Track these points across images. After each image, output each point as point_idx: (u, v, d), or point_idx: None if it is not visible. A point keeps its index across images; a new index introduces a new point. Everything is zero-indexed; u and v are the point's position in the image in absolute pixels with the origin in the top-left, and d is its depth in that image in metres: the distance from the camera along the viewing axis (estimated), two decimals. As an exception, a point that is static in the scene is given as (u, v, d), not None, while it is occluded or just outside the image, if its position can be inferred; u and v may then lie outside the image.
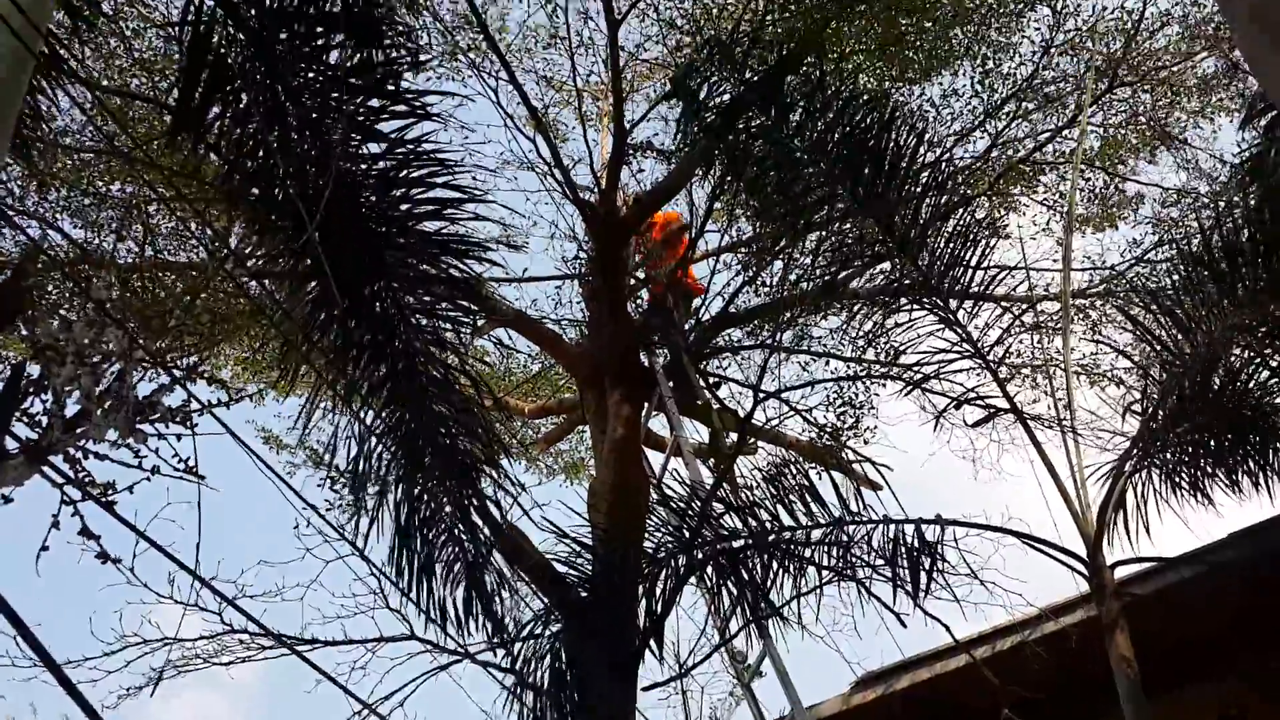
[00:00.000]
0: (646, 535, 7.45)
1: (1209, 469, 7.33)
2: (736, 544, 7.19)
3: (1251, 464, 7.24)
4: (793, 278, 9.32)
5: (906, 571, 6.98)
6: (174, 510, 4.86)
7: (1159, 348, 7.39)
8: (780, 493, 7.26)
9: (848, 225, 7.90)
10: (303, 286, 6.39)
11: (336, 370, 6.61)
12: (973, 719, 7.54)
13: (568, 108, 11.84)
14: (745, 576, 7.08)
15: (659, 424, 10.16)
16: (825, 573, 7.14)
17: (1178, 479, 7.39)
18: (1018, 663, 7.35)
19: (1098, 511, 7.32)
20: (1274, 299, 6.81)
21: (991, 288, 8.09)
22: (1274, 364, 7.10)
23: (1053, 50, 11.04)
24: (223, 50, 5.58)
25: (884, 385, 10.22)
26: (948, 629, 7.15)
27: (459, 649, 6.88)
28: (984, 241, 7.72)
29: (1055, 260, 11.07)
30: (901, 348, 8.06)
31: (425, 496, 6.86)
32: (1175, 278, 7.33)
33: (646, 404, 9.12)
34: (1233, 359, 7.20)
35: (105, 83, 8.18)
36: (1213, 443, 7.29)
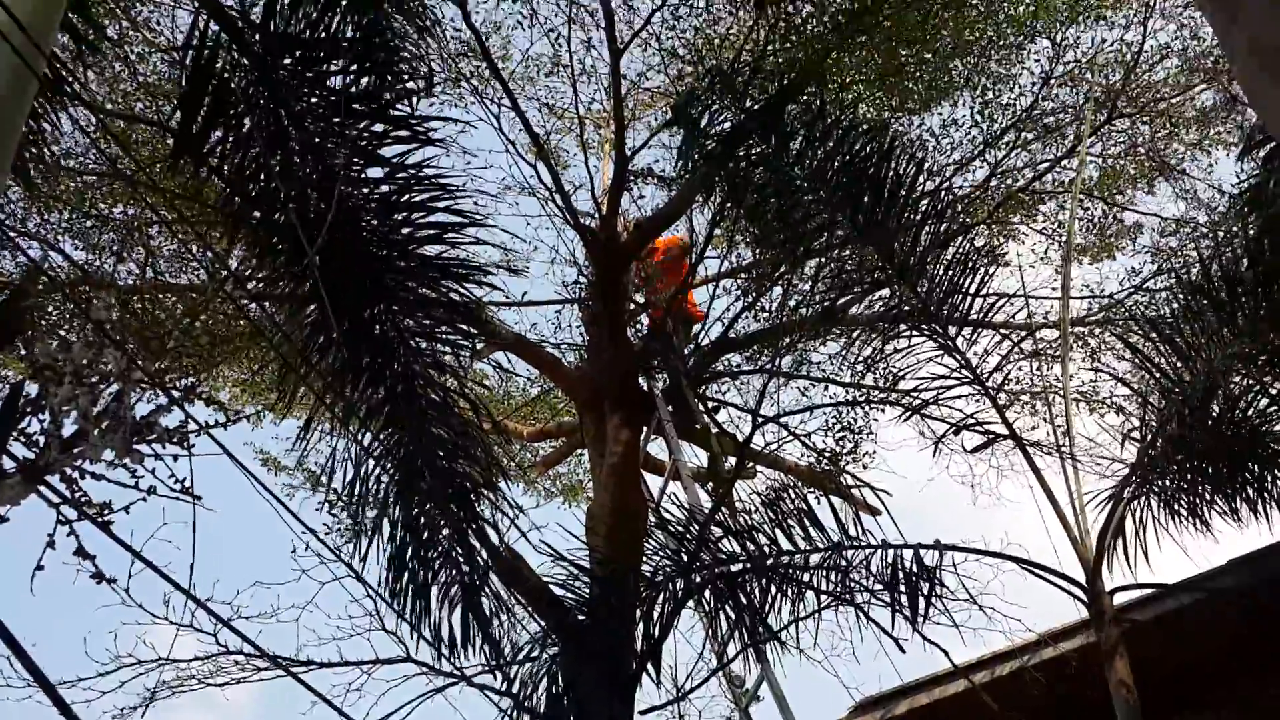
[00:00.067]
0: (645, 558, 7.43)
1: (1207, 496, 7.33)
2: (735, 568, 7.18)
3: (1250, 491, 7.23)
4: (792, 303, 9.35)
5: (905, 596, 6.96)
6: (170, 531, 4.85)
7: (1158, 375, 7.40)
8: (779, 517, 7.25)
9: (847, 252, 7.93)
10: (302, 309, 6.42)
11: (335, 392, 6.63)
12: (972, 745, 7.52)
13: (569, 134, 11.91)
14: (743, 600, 7.06)
15: (658, 448, 10.18)
16: (824, 597, 7.13)
17: (1176, 506, 7.38)
18: (1017, 688, 7.34)
19: (1097, 537, 7.32)
20: (1274, 328, 6.83)
21: (991, 315, 8.10)
22: (1273, 392, 7.11)
23: (1052, 81, 11.12)
24: (226, 75, 5.63)
25: (883, 410, 10.25)
26: (946, 654, 7.12)
27: (455, 671, 6.85)
28: (983, 269, 7.74)
29: (1054, 288, 11.10)
30: (900, 373, 8.08)
31: (423, 519, 6.85)
32: (1175, 306, 7.35)
33: (645, 428, 9.14)
34: (1232, 387, 7.21)
35: (109, 106, 8.24)
36: (1211, 470, 7.29)
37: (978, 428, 8.20)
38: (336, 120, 6.09)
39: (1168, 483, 7.41)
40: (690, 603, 7.16)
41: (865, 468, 10.44)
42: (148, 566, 4.17)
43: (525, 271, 11.74)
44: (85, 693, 7.13)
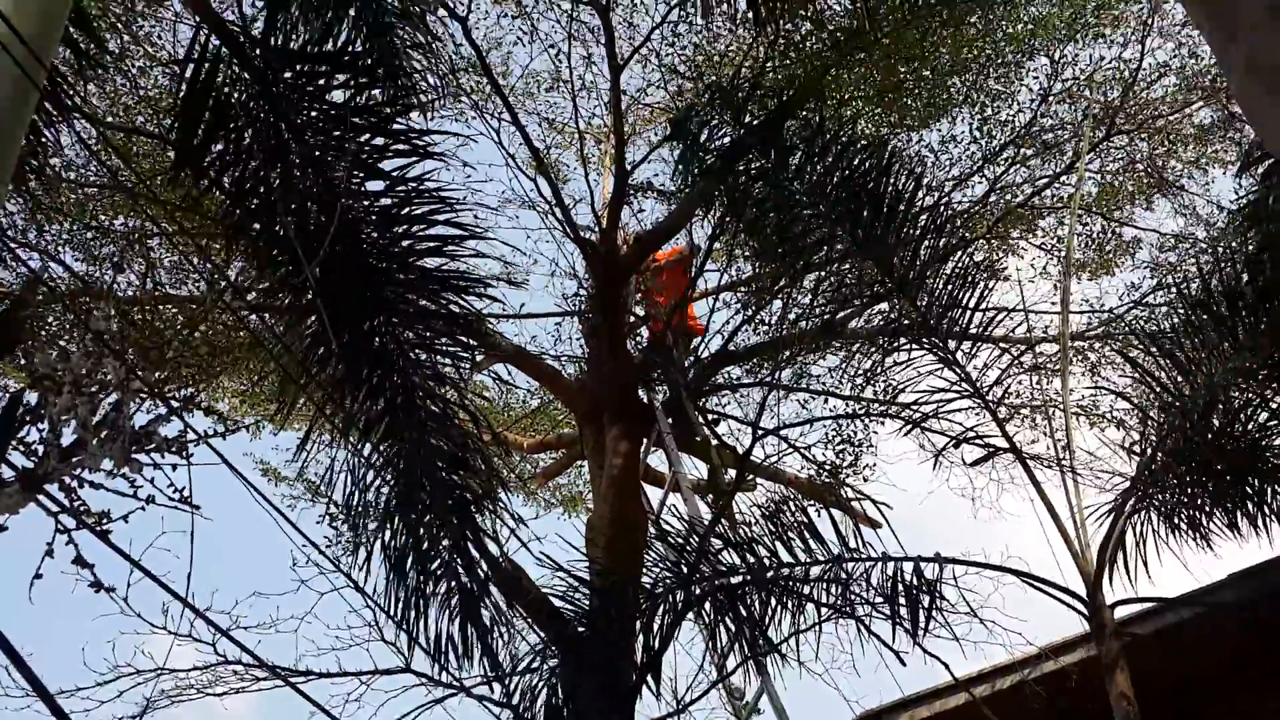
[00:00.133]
0: (644, 570, 7.42)
1: (1208, 510, 7.32)
2: (735, 580, 7.17)
3: (1250, 505, 7.22)
4: (792, 317, 9.36)
5: (906, 609, 6.94)
6: (169, 540, 4.84)
7: (1159, 389, 7.41)
8: (779, 529, 7.24)
9: (847, 266, 7.94)
10: (302, 321, 6.43)
11: (335, 403, 6.63)
12: (972, 757, 7.51)
13: (569, 149, 11.95)
14: (743, 613, 7.05)
15: (658, 460, 10.16)
16: (824, 610, 7.11)
17: (1177, 519, 7.37)
18: (1018, 701, 7.32)
19: (1097, 551, 7.32)
20: (1274, 342, 6.84)
21: (990, 329, 8.11)
22: (1274, 406, 7.11)
23: (1051, 98, 11.15)
24: (227, 88, 5.66)
25: (882, 423, 10.25)
26: (947, 667, 7.12)
27: (455, 682, 6.84)
28: (982, 284, 7.75)
29: (1054, 303, 11.11)
30: (900, 387, 8.08)
31: (422, 530, 6.85)
32: (1175, 320, 7.37)
33: (645, 440, 9.13)
34: (1232, 400, 7.22)
35: (110, 119, 8.27)
36: (1211, 484, 7.29)
37: (978, 441, 8.19)
38: (337, 134, 6.13)
39: (1168, 496, 7.40)
40: (690, 615, 7.15)
41: (865, 480, 10.45)
42: (146, 576, 4.15)
43: (525, 284, 11.77)
44: (84, 702, 7.12)
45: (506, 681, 6.89)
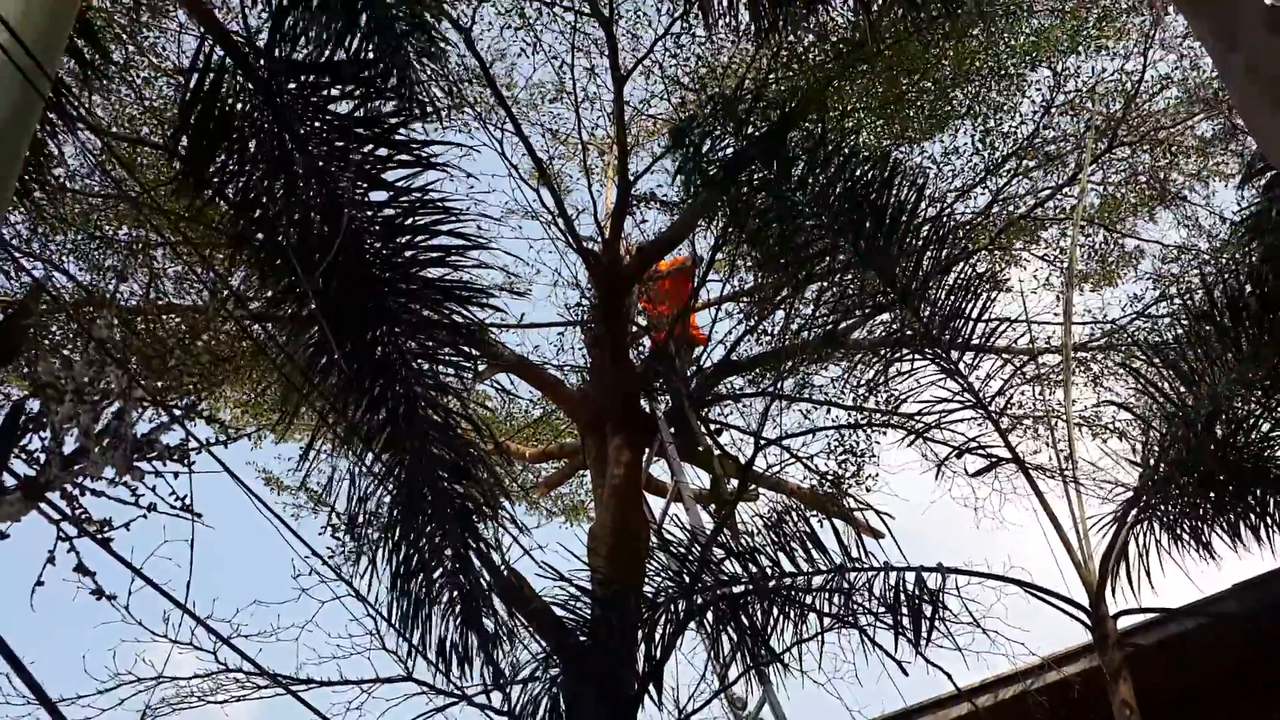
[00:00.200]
0: (646, 579, 7.42)
1: (1210, 521, 7.32)
2: (737, 589, 7.16)
3: (1253, 516, 7.22)
4: (794, 327, 9.37)
5: (908, 619, 6.94)
6: (170, 548, 4.86)
7: (1162, 399, 7.41)
8: (781, 539, 7.24)
9: (849, 277, 7.95)
10: (305, 330, 6.44)
11: (337, 413, 6.65)
12: (976, 767, 7.51)
13: (572, 160, 11.97)
14: (745, 622, 7.04)
15: (660, 469, 10.17)
16: (826, 619, 7.10)
17: (1179, 530, 7.37)
18: (1020, 712, 7.32)
19: (1100, 561, 7.33)
20: (1278, 353, 6.84)
21: (993, 340, 8.12)
22: (1277, 416, 7.11)
23: (1053, 110, 11.16)
24: (231, 99, 5.68)
25: (884, 434, 10.24)
26: (950, 677, 7.09)
27: (456, 691, 6.84)
28: (985, 294, 7.76)
29: (1056, 314, 11.13)
30: (903, 397, 8.09)
31: (424, 540, 6.86)
32: (1178, 331, 7.38)
33: (647, 449, 9.14)
34: (1235, 410, 7.22)
35: (114, 129, 8.31)
36: (1214, 494, 7.29)
37: (980, 451, 8.19)
38: (341, 144, 6.15)
39: (1170, 507, 7.40)
40: (692, 624, 7.14)
41: (868, 490, 10.44)
42: (147, 584, 4.17)
43: (528, 294, 11.78)
44: (84, 710, 7.11)
45: (508, 690, 6.89)
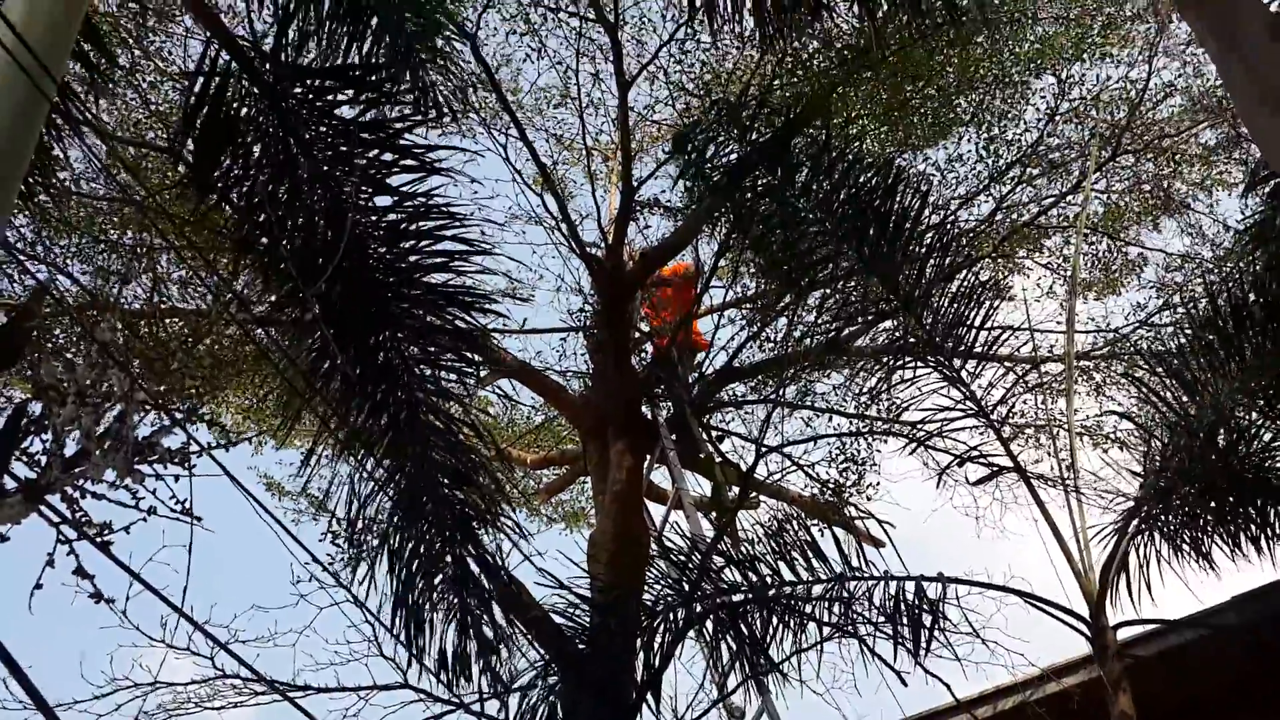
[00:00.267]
0: (646, 587, 7.41)
1: (1211, 531, 7.31)
2: (736, 598, 7.15)
3: (1254, 528, 7.22)
4: (797, 334, 9.37)
5: (908, 629, 6.93)
6: (169, 554, 4.85)
7: (1164, 408, 7.40)
8: (781, 548, 7.23)
9: (852, 283, 7.95)
10: (308, 335, 6.45)
11: (338, 417, 6.65)
12: (975, 777, 7.50)
13: (577, 165, 11.98)
14: (745, 631, 7.03)
15: (661, 476, 10.17)
16: (826, 629, 7.09)
17: (1180, 541, 7.37)
18: (1020, 723, 7.31)
19: (1100, 572, 7.32)
20: (1281, 362, 6.85)
21: (995, 348, 8.11)
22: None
23: (1057, 118, 11.15)
24: (236, 104, 5.69)
25: (886, 442, 10.24)
26: (949, 688, 7.08)
27: (453, 698, 6.83)
28: (988, 302, 7.76)
29: (1059, 322, 11.13)
30: (904, 405, 8.08)
31: (424, 546, 6.86)
32: (1181, 340, 7.37)
33: (649, 456, 9.14)
34: (1238, 420, 7.21)
35: (120, 133, 8.32)
36: (1215, 505, 7.28)
37: (982, 460, 8.18)
38: (345, 149, 6.16)
39: (1172, 517, 7.40)
40: (691, 632, 7.13)
41: (869, 499, 10.42)
42: (146, 588, 4.16)
43: (531, 300, 11.80)
44: (82, 714, 7.11)
45: (505, 697, 6.88)
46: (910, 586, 7.07)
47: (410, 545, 6.83)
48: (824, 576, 7.18)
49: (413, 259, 6.53)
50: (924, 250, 7.69)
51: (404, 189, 6.26)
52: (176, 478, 4.93)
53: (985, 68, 10.39)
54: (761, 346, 10.26)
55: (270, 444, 10.92)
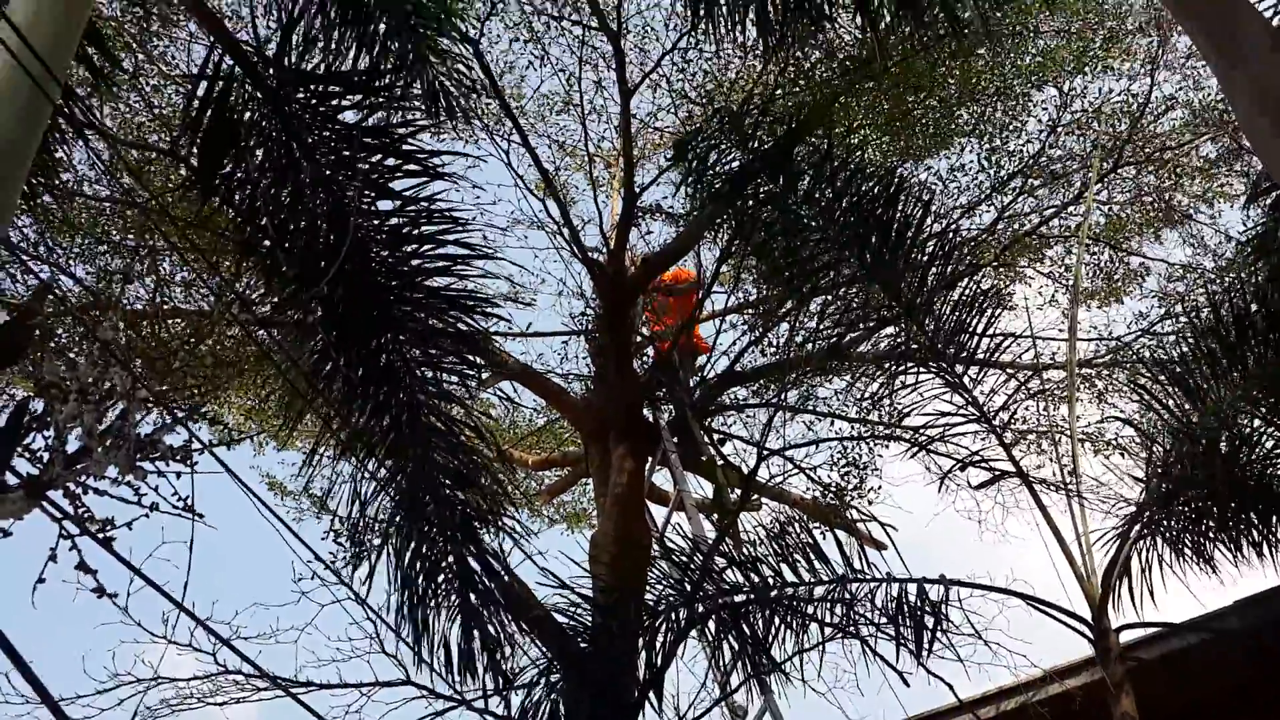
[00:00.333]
0: (648, 588, 7.42)
1: (1213, 536, 7.32)
2: (738, 599, 7.16)
3: (1255, 533, 7.22)
4: (799, 339, 9.38)
5: (910, 630, 6.93)
6: (171, 550, 4.87)
7: (1166, 415, 7.41)
8: (783, 549, 7.25)
9: (854, 290, 7.97)
10: (310, 337, 6.48)
11: (340, 419, 6.67)
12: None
13: (579, 171, 12.04)
14: (747, 631, 7.04)
15: (663, 478, 10.18)
16: (828, 629, 7.10)
17: (1181, 545, 7.37)
18: (1022, 723, 7.31)
19: (1102, 575, 7.32)
20: (1284, 370, 6.86)
21: (997, 354, 8.13)
22: (1281, 433, 7.13)
23: (1059, 130, 11.19)
24: (240, 107, 5.73)
25: (888, 446, 10.24)
26: (951, 688, 7.08)
27: (455, 696, 6.83)
28: (990, 310, 7.78)
29: (1061, 329, 11.15)
30: (907, 410, 8.10)
31: (425, 546, 6.87)
32: (1184, 349, 7.39)
33: (650, 458, 9.15)
34: (1240, 427, 7.22)
35: (123, 136, 8.36)
36: (1217, 510, 7.28)
37: (984, 465, 8.19)
38: (348, 153, 6.19)
39: (1174, 522, 7.40)
40: (693, 633, 7.14)
41: (871, 503, 10.41)
42: (147, 584, 4.18)
43: (533, 304, 11.82)
44: (84, 710, 7.10)
45: (507, 695, 6.89)
46: (912, 588, 7.09)
47: (412, 545, 6.84)
48: (826, 578, 7.19)
49: (415, 262, 6.55)
50: (926, 258, 7.71)
51: (407, 193, 6.29)
52: (178, 474, 4.95)
53: (987, 79, 10.43)
54: (764, 351, 10.28)
55: (272, 445, 10.97)
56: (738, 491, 8.91)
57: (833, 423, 10.82)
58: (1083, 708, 7.11)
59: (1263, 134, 4.61)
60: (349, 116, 6.21)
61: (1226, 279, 9.44)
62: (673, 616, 7.06)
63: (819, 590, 7.17)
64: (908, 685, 6.84)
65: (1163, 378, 7.51)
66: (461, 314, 6.71)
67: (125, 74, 8.06)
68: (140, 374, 5.67)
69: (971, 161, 11.00)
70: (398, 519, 6.83)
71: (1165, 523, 7.42)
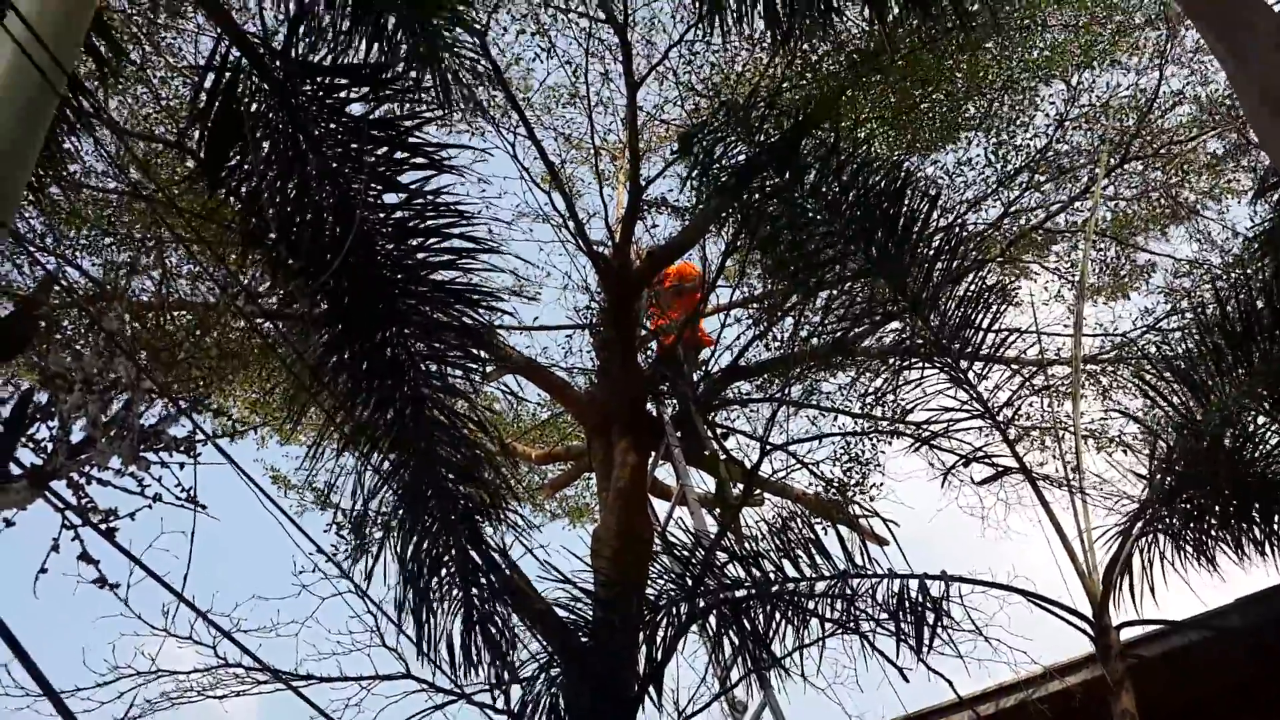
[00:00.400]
0: (649, 582, 7.43)
1: (1214, 534, 7.31)
2: (739, 594, 7.16)
3: (1257, 531, 7.21)
4: (803, 334, 9.39)
5: (910, 626, 6.93)
6: (172, 541, 4.91)
7: (1171, 412, 7.41)
8: (785, 544, 7.23)
9: (859, 285, 7.96)
10: (315, 330, 6.50)
11: (344, 412, 6.69)
12: (977, 775, 7.51)
13: (585, 164, 12.04)
14: (747, 626, 7.04)
15: (665, 473, 10.19)
16: (828, 625, 7.10)
17: (1183, 543, 7.36)
18: (1022, 720, 7.31)
19: (1104, 573, 7.31)
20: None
21: (1002, 350, 8.12)
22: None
23: (1066, 124, 11.16)
24: (247, 99, 5.74)
25: (891, 442, 10.24)
26: (951, 685, 7.07)
27: (455, 689, 6.86)
28: (995, 305, 7.76)
29: (1066, 325, 11.13)
30: (910, 405, 8.09)
31: (428, 540, 6.89)
32: (1189, 345, 7.37)
33: (653, 453, 9.16)
34: (1245, 424, 7.21)
35: (129, 127, 8.38)
36: (1219, 508, 7.27)
37: (987, 460, 8.19)
38: (354, 146, 6.20)
39: (1175, 520, 7.39)
40: (694, 627, 7.15)
41: (873, 499, 10.43)
42: (149, 575, 4.21)
43: (537, 298, 11.85)
44: (84, 702, 7.13)
45: (508, 689, 6.91)
46: (913, 584, 7.07)
47: (414, 538, 6.86)
48: (827, 573, 7.18)
49: (420, 256, 6.55)
50: (932, 253, 7.70)
51: (412, 186, 6.29)
52: (182, 465, 5.01)
53: (994, 73, 10.42)
54: (768, 346, 10.29)
55: (276, 438, 11.00)
56: (740, 486, 8.91)
57: (836, 418, 10.83)
58: (1083, 705, 7.10)
59: (1269, 128, 4.61)
60: (355, 109, 6.22)
61: (1233, 275, 9.41)
62: (674, 611, 7.07)
63: (820, 586, 7.16)
64: (907, 681, 6.84)
65: (1168, 374, 7.49)
66: (466, 308, 6.72)
67: (133, 65, 8.08)
68: (145, 365, 5.71)
69: (978, 156, 10.99)
70: (400, 512, 6.85)
71: (1167, 520, 7.40)
